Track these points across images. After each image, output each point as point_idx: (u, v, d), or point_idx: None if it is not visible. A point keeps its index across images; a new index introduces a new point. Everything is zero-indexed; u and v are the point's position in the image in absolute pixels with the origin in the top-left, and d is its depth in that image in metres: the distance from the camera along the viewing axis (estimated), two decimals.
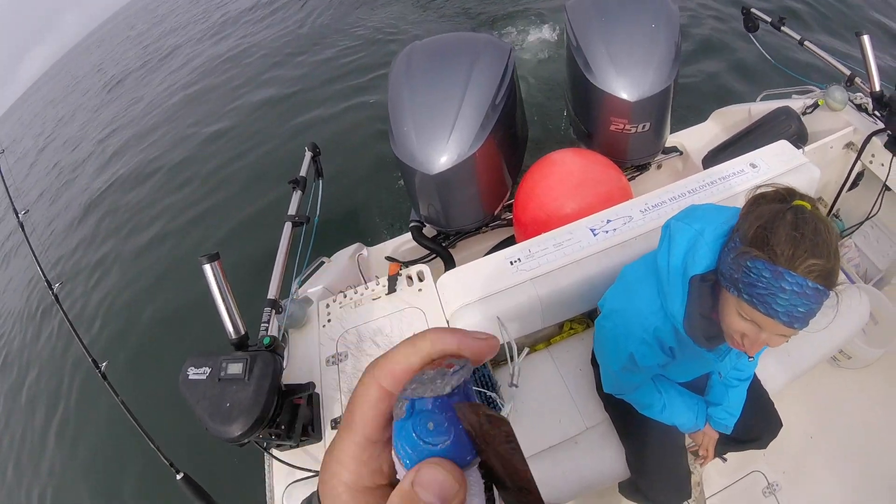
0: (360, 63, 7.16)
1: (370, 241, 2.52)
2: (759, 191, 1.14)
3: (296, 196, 1.94)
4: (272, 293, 1.68)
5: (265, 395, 1.34)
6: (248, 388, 1.34)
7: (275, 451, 1.51)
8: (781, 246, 0.99)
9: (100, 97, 13.12)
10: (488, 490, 0.29)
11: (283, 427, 1.43)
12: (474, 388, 0.30)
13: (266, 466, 1.58)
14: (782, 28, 2.40)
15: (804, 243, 0.99)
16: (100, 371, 1.43)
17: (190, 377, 1.36)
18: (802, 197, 1.08)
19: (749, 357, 1.16)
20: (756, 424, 1.73)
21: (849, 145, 2.31)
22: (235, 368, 1.37)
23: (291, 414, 1.48)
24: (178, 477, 1.32)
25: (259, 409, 1.31)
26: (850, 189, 2.44)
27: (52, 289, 1.53)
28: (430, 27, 7.36)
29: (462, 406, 0.30)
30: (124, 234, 6.01)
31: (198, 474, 1.34)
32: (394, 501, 0.27)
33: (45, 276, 1.55)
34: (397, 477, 0.30)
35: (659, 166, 2.80)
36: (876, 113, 2.23)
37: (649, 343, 1.33)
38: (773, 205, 1.07)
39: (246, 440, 1.32)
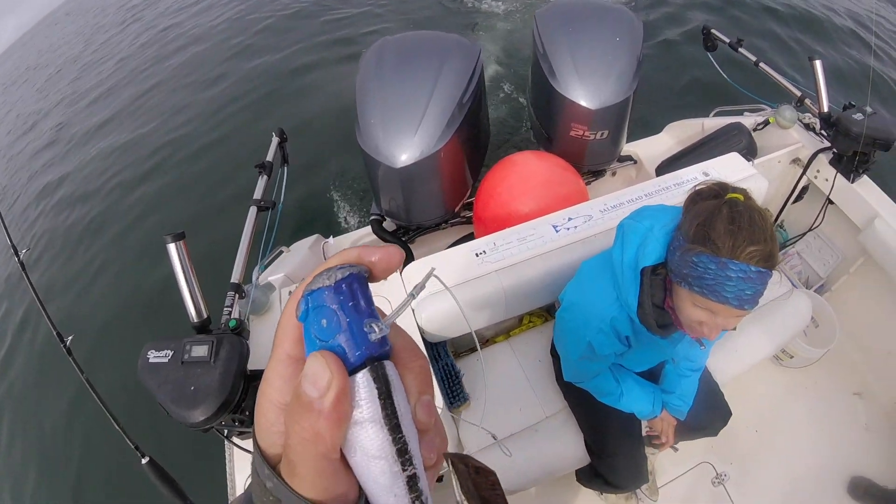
0: (330, 52, 7.08)
1: (329, 233, 2.49)
2: (696, 188, 1.24)
3: (262, 181, 1.90)
4: (235, 277, 1.64)
5: (232, 379, 1.30)
6: (214, 371, 1.29)
7: (236, 440, 1.47)
8: (721, 239, 1.08)
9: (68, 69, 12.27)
10: (384, 397, 0.30)
11: (247, 413, 1.40)
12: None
13: (227, 456, 1.54)
14: (739, 49, 2.55)
15: (741, 233, 1.07)
16: (65, 346, 1.34)
17: (150, 360, 1.30)
18: (735, 189, 1.18)
19: (710, 338, 1.23)
20: (707, 413, 1.84)
21: (795, 161, 2.47)
22: (200, 351, 1.32)
23: (256, 400, 1.45)
24: (144, 461, 1.26)
25: (226, 392, 1.27)
26: (794, 201, 2.60)
27: (18, 255, 1.43)
28: (403, 24, 7.37)
29: (451, 456, 0.34)
30: (88, 211, 5.69)
31: (164, 459, 1.28)
32: (290, 399, 0.30)
33: (11, 242, 1.45)
34: None
35: (614, 173, 2.92)
36: (823, 132, 2.38)
37: (606, 332, 1.42)
38: (709, 201, 1.17)
39: (211, 425, 1.28)
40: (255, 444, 0.34)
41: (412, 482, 0.30)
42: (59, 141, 8.05)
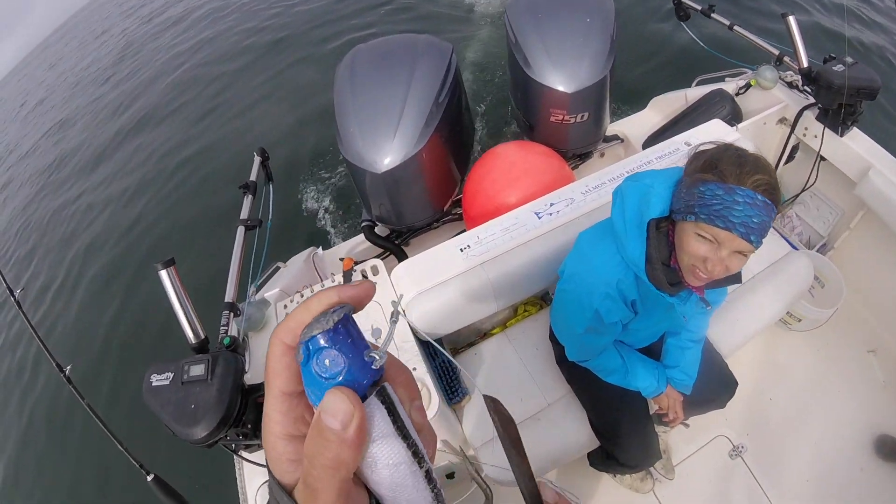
0: (307, 64, 7.15)
1: (322, 245, 2.54)
2: (699, 147, 1.27)
3: (247, 200, 1.94)
4: (229, 296, 1.69)
5: (229, 394, 1.35)
6: (211, 388, 1.34)
7: (244, 453, 1.52)
8: (729, 168, 1.13)
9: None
10: (391, 413, 0.34)
11: (249, 426, 1.44)
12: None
13: (236, 469, 1.59)
14: (712, 15, 2.52)
15: (748, 164, 1.13)
16: (64, 375, 1.41)
17: (153, 384, 1.36)
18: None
19: (713, 276, 1.21)
20: (712, 385, 1.83)
21: (782, 121, 2.44)
22: (198, 370, 1.37)
23: (257, 413, 1.49)
24: (149, 478, 1.32)
25: (223, 407, 1.32)
26: (786, 162, 2.56)
27: (13, 294, 1.50)
28: (378, 28, 7.41)
29: (488, 399, 0.44)
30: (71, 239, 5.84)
31: (169, 475, 1.33)
32: (310, 432, 0.33)
33: (5, 281, 1.52)
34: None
35: (602, 154, 2.92)
36: (806, 88, 2.35)
37: (613, 297, 1.41)
38: (714, 148, 1.22)
39: (213, 441, 1.32)
40: (271, 474, 0.37)
41: (429, 476, 0.35)
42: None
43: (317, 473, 0.32)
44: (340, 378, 0.32)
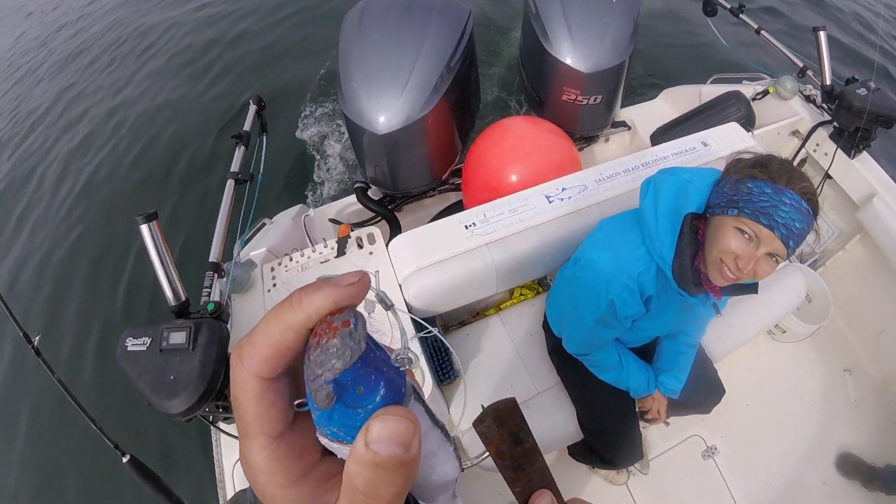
0: (311, 13, 6.72)
1: (313, 203, 2.41)
2: (738, 154, 1.27)
3: (239, 152, 1.80)
4: (214, 256, 1.57)
5: (212, 366, 1.25)
6: (193, 359, 1.24)
7: (222, 425, 1.43)
8: (779, 171, 1.15)
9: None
10: (426, 406, 0.31)
11: (230, 399, 1.36)
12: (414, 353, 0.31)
13: (213, 442, 1.50)
14: (741, 15, 2.46)
15: (795, 173, 1.15)
16: (33, 346, 1.28)
17: (129, 349, 1.25)
18: None
19: (741, 276, 1.19)
20: (701, 391, 1.83)
21: (795, 133, 2.43)
22: (178, 338, 1.27)
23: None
24: (125, 460, 1.22)
25: (206, 380, 1.23)
26: None
27: None
28: None
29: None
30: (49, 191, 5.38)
31: (145, 455, 1.24)
32: (353, 470, 0.26)
33: None
34: (339, 456, 0.29)
35: (607, 139, 2.85)
36: (824, 105, 2.33)
37: (631, 289, 1.37)
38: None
39: (192, 415, 1.23)
40: None
41: (455, 450, 0.34)
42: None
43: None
44: (378, 400, 0.27)
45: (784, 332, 2.43)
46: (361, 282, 0.30)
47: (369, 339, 0.28)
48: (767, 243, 1.13)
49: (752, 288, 1.30)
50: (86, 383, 2.98)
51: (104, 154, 5.15)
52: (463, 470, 0.36)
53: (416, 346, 1.58)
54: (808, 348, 2.49)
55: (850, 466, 2.19)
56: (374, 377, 0.27)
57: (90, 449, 2.75)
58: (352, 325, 0.27)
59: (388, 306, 0.33)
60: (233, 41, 6.57)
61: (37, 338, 1.29)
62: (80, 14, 9.35)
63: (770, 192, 1.11)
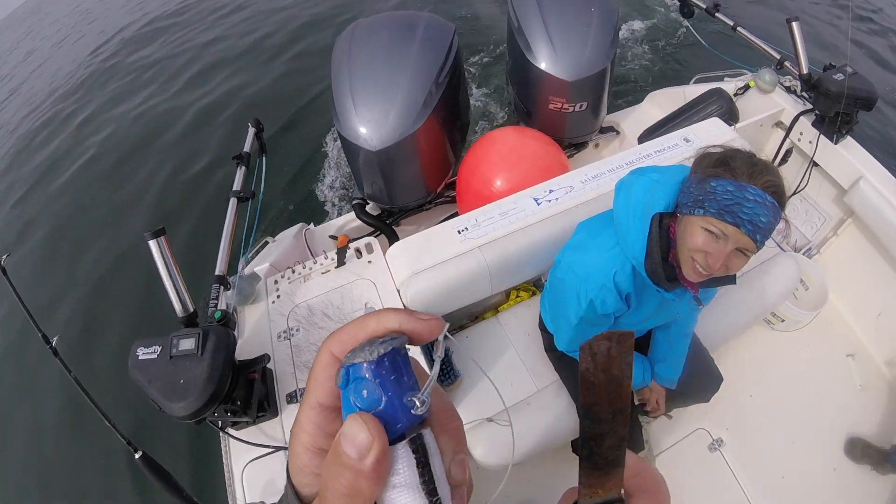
0: (307, 39, 6.99)
1: (313, 222, 2.49)
2: (705, 150, 1.29)
3: (240, 172, 1.89)
4: (219, 269, 1.65)
5: (220, 369, 1.31)
6: (202, 363, 1.30)
7: (231, 430, 1.48)
8: (742, 167, 1.16)
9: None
10: (420, 465, 0.30)
11: (238, 403, 1.41)
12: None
13: (223, 447, 1.55)
14: (717, 14, 2.53)
15: (759, 166, 1.16)
16: (51, 346, 1.35)
17: (140, 358, 1.31)
18: None
19: (712, 269, 1.21)
20: (698, 379, 1.85)
21: (778, 124, 2.47)
22: (188, 344, 1.33)
23: (247, 390, 1.46)
24: (137, 456, 1.27)
25: (214, 383, 1.28)
26: (779, 165, 2.57)
27: None
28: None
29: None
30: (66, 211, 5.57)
31: (157, 453, 1.29)
32: (329, 454, 0.31)
33: None
34: None
35: (596, 145, 2.92)
36: (804, 94, 2.38)
37: (609, 288, 1.41)
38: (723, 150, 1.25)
39: (202, 417, 1.29)
40: (289, 480, 0.35)
41: None
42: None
43: (331, 498, 0.30)
44: (374, 412, 0.30)
45: (783, 320, 2.43)
46: (428, 323, 0.34)
47: (399, 366, 0.31)
48: (735, 240, 1.15)
49: (729, 279, 1.31)
50: (101, 385, 3.06)
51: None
52: None
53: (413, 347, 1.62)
54: (810, 336, 2.48)
55: (859, 451, 2.17)
56: (379, 392, 0.30)
57: (105, 445, 2.85)
58: (380, 340, 0.32)
59: (439, 356, 0.33)
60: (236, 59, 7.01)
61: (55, 338, 1.36)
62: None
63: (733, 190, 1.13)
